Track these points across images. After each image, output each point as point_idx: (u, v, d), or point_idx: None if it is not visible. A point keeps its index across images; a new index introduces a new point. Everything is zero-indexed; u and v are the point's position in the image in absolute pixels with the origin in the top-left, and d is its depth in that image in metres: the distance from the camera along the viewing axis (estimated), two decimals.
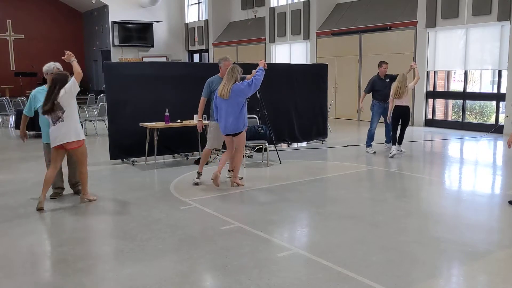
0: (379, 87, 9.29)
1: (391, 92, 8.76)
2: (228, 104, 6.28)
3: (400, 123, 8.94)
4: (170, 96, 8.54)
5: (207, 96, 6.76)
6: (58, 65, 5.89)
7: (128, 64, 13.66)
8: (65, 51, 5.81)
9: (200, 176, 6.81)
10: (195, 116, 8.21)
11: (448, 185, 7.13)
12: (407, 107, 8.91)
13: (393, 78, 9.22)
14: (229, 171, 7.01)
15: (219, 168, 6.45)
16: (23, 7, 23.71)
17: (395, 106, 8.87)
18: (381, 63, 9.44)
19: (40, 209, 5.53)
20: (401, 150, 9.11)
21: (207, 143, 6.95)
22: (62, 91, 5.53)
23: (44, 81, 22.41)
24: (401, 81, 8.71)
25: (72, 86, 5.59)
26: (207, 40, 22.85)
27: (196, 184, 6.73)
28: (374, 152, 9.30)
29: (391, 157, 8.83)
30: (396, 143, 9.00)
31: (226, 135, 6.50)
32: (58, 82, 5.51)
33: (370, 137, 9.43)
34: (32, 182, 7.07)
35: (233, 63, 6.53)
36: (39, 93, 5.87)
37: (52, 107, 5.44)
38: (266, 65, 6.60)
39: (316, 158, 9.13)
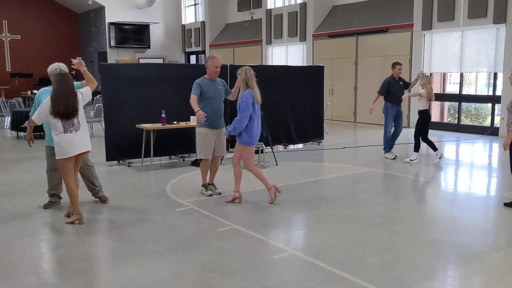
0: (394, 89, 8.86)
1: (428, 97, 8.25)
2: (258, 110, 5.83)
3: (424, 129, 8.52)
4: (166, 98, 8.53)
5: (199, 96, 6.11)
6: (62, 65, 5.53)
7: (124, 65, 13.68)
8: (74, 59, 5.55)
9: (209, 186, 6.38)
10: (192, 117, 8.22)
11: (443, 187, 7.15)
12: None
13: (404, 81, 8.99)
14: (209, 184, 6.49)
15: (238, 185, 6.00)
16: (19, 8, 23.64)
17: (425, 110, 8.44)
18: (394, 64, 8.93)
19: (82, 223, 5.16)
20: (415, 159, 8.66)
21: (200, 153, 6.19)
22: (79, 95, 5.17)
23: (40, 82, 22.37)
24: (430, 82, 8.35)
25: (86, 94, 5.27)
26: (203, 42, 22.85)
27: (210, 195, 6.28)
28: (395, 158, 8.88)
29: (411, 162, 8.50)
30: (416, 150, 8.62)
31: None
32: (60, 82, 5.03)
33: (387, 142, 8.99)
34: (27, 184, 7.04)
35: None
36: (44, 94, 5.46)
37: (73, 112, 5.03)
38: None
39: (312, 159, 9.14)
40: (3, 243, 4.64)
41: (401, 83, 9.00)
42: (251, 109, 5.67)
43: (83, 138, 5.19)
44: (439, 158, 8.51)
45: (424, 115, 8.52)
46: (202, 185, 6.43)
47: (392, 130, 9.12)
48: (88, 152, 5.35)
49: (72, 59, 5.56)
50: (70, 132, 5.05)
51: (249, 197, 6.30)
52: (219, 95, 6.20)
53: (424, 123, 8.53)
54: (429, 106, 8.88)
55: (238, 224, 5.09)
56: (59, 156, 5.07)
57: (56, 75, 5.13)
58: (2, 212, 5.61)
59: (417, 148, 8.64)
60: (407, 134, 12.14)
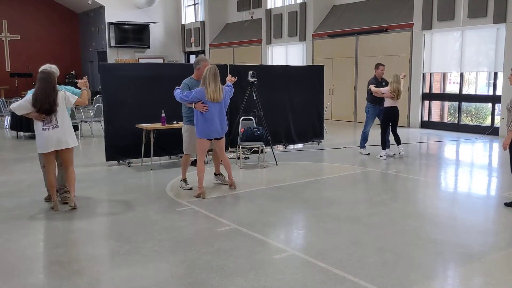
0: None
1: (391, 95, 8.75)
2: (219, 107, 6.14)
3: (391, 124, 9.05)
4: (166, 97, 8.47)
5: None
6: (54, 67, 5.74)
7: (124, 65, 13.66)
8: (81, 80, 5.91)
9: (187, 181, 6.64)
10: None
11: (444, 186, 7.15)
12: (397, 107, 9.08)
13: (386, 81, 9.22)
14: (216, 174, 7.00)
15: (202, 182, 6.29)
16: (19, 8, 23.63)
17: (390, 107, 8.92)
18: (378, 65, 9.39)
19: (56, 211, 5.52)
20: (402, 151, 9.12)
21: (187, 149, 6.60)
22: (62, 94, 5.50)
23: None
24: (398, 82, 8.77)
25: (69, 99, 5.57)
26: (203, 41, 22.84)
27: (190, 189, 6.50)
28: (368, 154, 9.35)
29: (380, 158, 8.94)
30: (397, 144, 9.09)
31: (216, 139, 6.28)
32: (43, 80, 5.39)
33: (364, 139, 9.48)
34: (27, 184, 7.03)
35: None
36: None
37: (52, 106, 5.35)
38: (233, 80, 6.56)
39: (312, 159, 9.13)
40: (3, 243, 4.63)
41: (383, 83, 9.25)
42: (188, 97, 6.02)
43: (62, 135, 5.48)
44: (380, 156, 9.00)
45: (388, 111, 8.98)
46: (181, 180, 6.69)
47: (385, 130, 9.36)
48: (68, 149, 5.58)
49: (78, 80, 5.99)
50: (48, 129, 5.41)
51: (248, 197, 6.29)
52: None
53: (387, 119, 9.01)
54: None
55: (238, 224, 5.09)
56: (39, 150, 5.56)
57: (39, 73, 5.50)
58: (1, 212, 5.60)
59: (384, 145, 9.07)
60: (407, 134, 12.14)
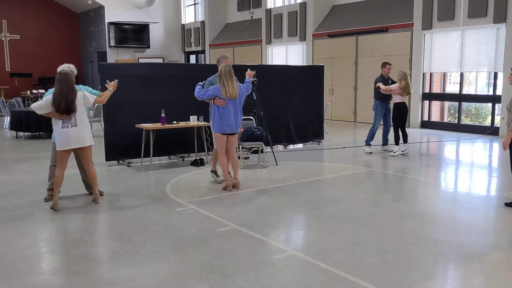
0: None
1: (401, 91, 8.91)
2: (235, 103, 6.41)
3: (401, 120, 9.18)
4: (166, 97, 8.52)
5: None
6: (72, 66, 5.92)
7: (124, 65, 13.65)
8: (112, 82, 6.09)
9: (217, 173, 6.96)
10: (191, 117, 8.23)
11: (444, 187, 7.14)
12: (405, 103, 9.25)
13: (393, 80, 9.40)
14: (212, 171, 7.10)
15: (227, 174, 6.56)
16: (18, 8, 23.62)
17: (399, 102, 9.07)
18: (384, 64, 9.54)
19: (55, 210, 5.61)
20: (406, 149, 9.24)
21: (215, 144, 6.81)
22: (81, 94, 5.66)
23: (40, 82, 22.40)
24: (406, 78, 8.92)
25: (88, 99, 5.75)
26: (203, 41, 22.84)
27: (222, 181, 6.71)
28: (371, 153, 9.40)
29: (394, 155, 9.05)
30: (403, 142, 9.20)
31: (230, 133, 6.51)
32: (61, 81, 5.52)
33: (371, 136, 9.55)
34: (27, 183, 7.03)
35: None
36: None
37: (71, 107, 5.49)
38: (252, 74, 6.72)
39: (312, 159, 9.13)
40: (3, 243, 4.63)
41: (390, 82, 9.41)
42: (205, 95, 6.36)
43: (80, 133, 5.63)
44: (394, 152, 9.12)
45: (398, 107, 9.14)
46: (212, 171, 7.05)
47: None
48: (85, 147, 5.75)
49: (108, 82, 6.16)
50: (67, 127, 5.58)
51: (248, 197, 6.29)
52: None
53: (397, 115, 9.17)
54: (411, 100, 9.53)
55: (238, 224, 5.08)
56: (57, 148, 5.65)
57: (58, 73, 5.64)
58: (1, 212, 5.60)
59: (397, 140, 9.18)
60: (408, 134, 12.12)
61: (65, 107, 5.47)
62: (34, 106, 5.64)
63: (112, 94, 6.18)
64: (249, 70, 6.83)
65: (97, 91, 6.24)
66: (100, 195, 6.08)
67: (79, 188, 6.40)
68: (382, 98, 9.41)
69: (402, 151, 9.17)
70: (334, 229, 5.00)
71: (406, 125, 9.47)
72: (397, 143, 9.16)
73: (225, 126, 6.40)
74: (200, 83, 6.55)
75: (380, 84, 9.26)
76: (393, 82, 9.33)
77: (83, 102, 5.70)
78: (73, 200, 6.09)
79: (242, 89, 6.52)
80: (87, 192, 6.30)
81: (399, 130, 9.17)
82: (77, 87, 5.76)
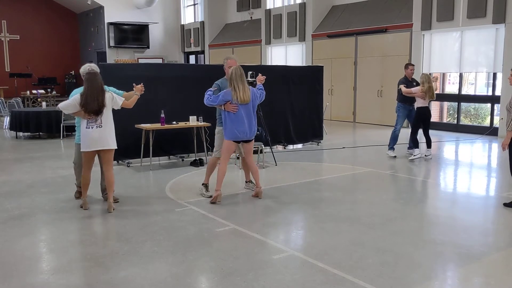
0: None
1: (423, 95, 8.60)
2: (248, 108, 5.91)
3: (423, 125, 8.96)
4: (165, 98, 8.52)
5: None
6: (93, 65, 5.77)
7: (123, 65, 13.66)
8: (139, 85, 5.95)
9: (208, 187, 6.29)
10: (191, 117, 8.23)
11: (443, 187, 7.15)
12: (428, 107, 9.04)
13: (417, 81, 9.14)
14: (246, 182, 6.68)
15: (221, 185, 5.98)
16: (18, 8, 23.60)
17: (422, 107, 8.80)
18: (407, 65, 9.26)
19: (85, 209, 5.64)
20: (429, 154, 8.99)
21: (216, 152, 6.32)
22: (109, 95, 5.57)
23: (39, 82, 22.38)
24: (430, 81, 8.65)
25: (116, 100, 5.65)
26: (203, 42, 22.84)
27: (210, 197, 6.08)
28: (395, 157, 9.08)
29: (412, 160, 8.76)
30: (426, 147, 8.99)
31: (244, 141, 6.04)
32: (91, 81, 5.45)
33: (394, 138, 9.26)
34: (26, 184, 7.03)
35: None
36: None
37: (101, 107, 5.43)
38: (263, 80, 6.30)
39: (311, 160, 9.13)
40: (2, 243, 4.63)
41: (414, 83, 9.14)
42: (216, 102, 5.85)
43: (104, 135, 5.54)
44: (414, 155, 8.87)
45: (419, 112, 8.89)
46: (202, 184, 6.38)
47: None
48: (109, 150, 5.65)
49: (136, 85, 6.01)
50: (91, 128, 5.48)
51: (248, 198, 6.29)
52: None
53: (418, 119, 8.94)
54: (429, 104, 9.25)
55: (237, 225, 5.08)
56: (82, 148, 5.57)
57: (87, 73, 5.54)
58: (1, 213, 5.60)
59: (416, 144, 8.95)
60: (407, 134, 12.12)
61: (94, 107, 5.38)
62: (61, 106, 5.57)
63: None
64: (260, 75, 6.36)
65: (122, 91, 6.09)
66: (115, 201, 5.89)
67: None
68: (404, 100, 9.04)
69: (421, 155, 8.86)
70: (334, 229, 5.00)
71: (406, 126, 9.33)
72: (416, 146, 8.86)
73: (238, 133, 5.87)
74: (211, 89, 5.97)
75: (402, 86, 8.94)
76: (418, 84, 9.01)
77: (110, 103, 5.58)
78: (76, 201, 6.08)
79: (256, 93, 6.04)
80: (102, 197, 6.08)
81: (416, 134, 8.87)
82: (105, 88, 5.65)
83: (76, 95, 5.52)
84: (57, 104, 6.47)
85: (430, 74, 8.90)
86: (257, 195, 6.19)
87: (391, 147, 9.27)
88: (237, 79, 5.78)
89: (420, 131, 9.03)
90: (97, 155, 5.73)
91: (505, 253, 4.37)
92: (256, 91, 6.09)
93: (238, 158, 8.54)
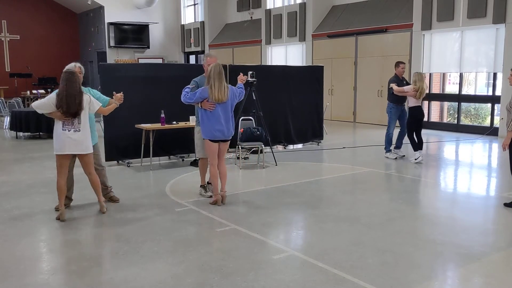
0: None
1: (414, 93, 8.33)
2: (225, 107, 5.80)
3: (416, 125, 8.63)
4: (166, 98, 8.50)
5: None
6: (79, 65, 5.61)
7: (123, 65, 13.66)
8: (119, 94, 5.72)
9: (206, 188, 6.27)
10: (191, 117, 8.21)
11: (443, 187, 7.14)
12: (421, 106, 8.74)
13: (407, 81, 8.99)
14: (208, 183, 6.34)
15: (217, 188, 5.89)
16: (18, 8, 23.62)
17: (415, 106, 8.50)
18: (398, 63, 8.98)
19: (62, 220, 5.27)
20: (419, 157, 8.57)
21: (199, 152, 6.19)
22: (86, 98, 5.31)
23: (39, 82, 22.37)
24: (422, 80, 8.37)
25: (93, 104, 5.37)
26: (203, 42, 22.84)
27: (210, 196, 6.09)
28: (396, 158, 8.95)
29: (417, 162, 8.47)
30: (417, 148, 8.61)
31: (222, 140, 5.87)
32: (67, 81, 5.18)
33: (389, 141, 9.06)
34: (26, 184, 7.02)
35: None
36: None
37: (77, 109, 5.16)
38: (244, 80, 6.19)
39: (312, 160, 9.13)
40: (2, 243, 4.63)
41: (404, 82, 9.00)
42: (192, 99, 5.77)
43: (81, 140, 5.27)
44: (416, 159, 8.53)
45: (413, 112, 8.60)
46: (201, 186, 6.38)
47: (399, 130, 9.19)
48: (86, 154, 5.38)
49: (115, 93, 5.78)
50: (68, 131, 5.20)
51: (248, 198, 6.28)
52: None
53: (412, 120, 8.62)
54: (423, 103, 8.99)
55: (238, 225, 5.08)
56: (55, 151, 5.26)
57: (64, 72, 5.26)
58: (1, 213, 5.60)
59: (415, 146, 8.64)
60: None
61: (71, 109, 5.11)
62: (35, 104, 5.32)
63: (112, 94, 5.99)
64: (241, 74, 6.23)
65: (108, 98, 5.85)
66: (115, 201, 5.89)
67: (77, 188, 6.38)
68: (396, 100, 8.78)
69: (415, 159, 8.54)
70: (334, 229, 5.00)
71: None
72: (415, 149, 8.58)
73: (215, 132, 5.74)
74: (188, 86, 5.91)
75: (393, 85, 8.71)
76: (408, 83, 8.91)
77: (87, 106, 5.29)
78: (76, 201, 6.08)
79: (235, 92, 5.90)
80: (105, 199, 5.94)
81: (413, 135, 8.60)
82: (85, 89, 5.48)
83: (52, 94, 5.27)
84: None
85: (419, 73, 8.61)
86: (222, 200, 5.89)
87: (388, 149, 9.10)
88: (215, 76, 5.65)
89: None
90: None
91: (505, 253, 4.37)
92: (236, 90, 5.95)
93: (238, 158, 8.55)
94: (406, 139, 8.85)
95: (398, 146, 9.14)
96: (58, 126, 5.23)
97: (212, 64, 5.75)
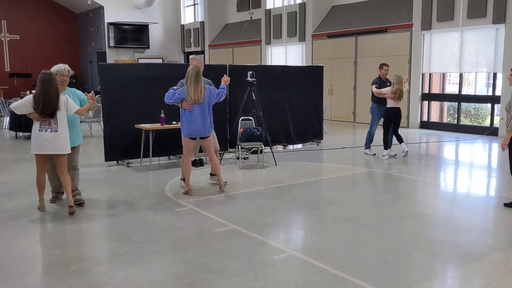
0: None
1: (392, 96, 8.80)
2: (203, 107, 6.18)
3: (393, 125, 9.06)
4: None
5: None
6: (67, 66, 5.68)
7: (123, 65, 13.65)
8: (90, 94, 5.78)
9: (210, 178, 6.83)
10: None
11: (443, 187, 7.14)
12: (399, 108, 9.08)
13: (390, 82, 9.20)
14: (211, 174, 6.96)
15: (188, 179, 6.38)
16: (18, 8, 23.62)
17: (392, 107, 8.95)
18: (382, 65, 9.35)
19: (41, 211, 5.56)
20: (405, 148, 9.01)
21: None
22: (63, 99, 5.34)
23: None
24: (400, 83, 8.80)
25: (70, 106, 5.40)
26: (203, 42, 22.84)
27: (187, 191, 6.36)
28: (374, 154, 9.32)
29: (382, 158, 9.00)
30: (400, 145, 9.04)
31: (200, 138, 6.35)
32: (44, 82, 5.23)
33: (370, 139, 9.47)
34: (26, 184, 7.02)
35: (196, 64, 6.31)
36: (67, 93, 5.65)
37: (53, 110, 5.23)
38: (227, 81, 6.64)
39: (311, 160, 9.12)
40: (1, 243, 4.62)
41: (388, 83, 9.21)
42: (172, 99, 6.18)
43: (57, 140, 5.35)
44: (382, 155, 9.04)
45: (389, 112, 9.02)
46: (181, 178, 6.69)
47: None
48: (62, 154, 5.44)
49: (87, 93, 5.88)
50: (45, 131, 5.29)
51: (248, 198, 6.28)
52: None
53: (389, 120, 9.04)
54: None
55: (237, 225, 5.08)
56: (32, 150, 5.38)
57: (41, 73, 5.33)
58: (0, 213, 5.59)
59: (386, 145, 9.08)
60: (407, 134, 12.12)
61: (45, 109, 5.17)
62: (13, 105, 5.37)
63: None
64: (225, 76, 6.68)
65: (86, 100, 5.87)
66: (81, 203, 5.75)
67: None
68: (378, 100, 9.18)
69: (403, 150, 8.92)
70: (334, 229, 5.00)
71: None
72: (385, 147, 9.06)
73: (192, 131, 6.21)
74: (174, 87, 6.30)
75: (373, 87, 9.11)
76: (391, 84, 9.14)
77: (64, 107, 5.34)
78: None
79: (212, 92, 6.27)
80: (50, 200, 5.97)
81: (388, 134, 9.02)
82: (70, 90, 5.56)
83: (29, 95, 5.34)
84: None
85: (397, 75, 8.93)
86: (220, 188, 6.47)
87: (368, 146, 9.50)
88: (192, 78, 6.05)
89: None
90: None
91: (505, 253, 4.36)
92: (214, 90, 6.33)
93: (238, 158, 8.54)
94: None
95: (389, 146, 9.43)
96: (35, 126, 5.34)
97: (190, 66, 6.18)
